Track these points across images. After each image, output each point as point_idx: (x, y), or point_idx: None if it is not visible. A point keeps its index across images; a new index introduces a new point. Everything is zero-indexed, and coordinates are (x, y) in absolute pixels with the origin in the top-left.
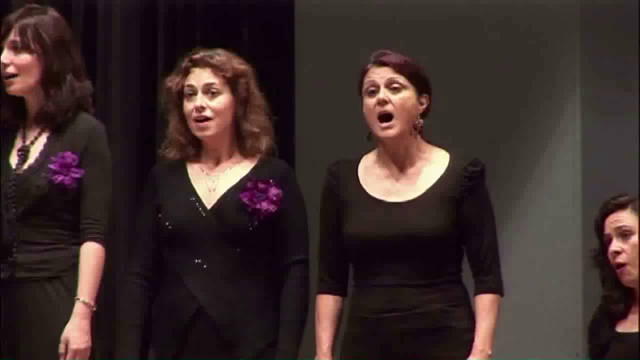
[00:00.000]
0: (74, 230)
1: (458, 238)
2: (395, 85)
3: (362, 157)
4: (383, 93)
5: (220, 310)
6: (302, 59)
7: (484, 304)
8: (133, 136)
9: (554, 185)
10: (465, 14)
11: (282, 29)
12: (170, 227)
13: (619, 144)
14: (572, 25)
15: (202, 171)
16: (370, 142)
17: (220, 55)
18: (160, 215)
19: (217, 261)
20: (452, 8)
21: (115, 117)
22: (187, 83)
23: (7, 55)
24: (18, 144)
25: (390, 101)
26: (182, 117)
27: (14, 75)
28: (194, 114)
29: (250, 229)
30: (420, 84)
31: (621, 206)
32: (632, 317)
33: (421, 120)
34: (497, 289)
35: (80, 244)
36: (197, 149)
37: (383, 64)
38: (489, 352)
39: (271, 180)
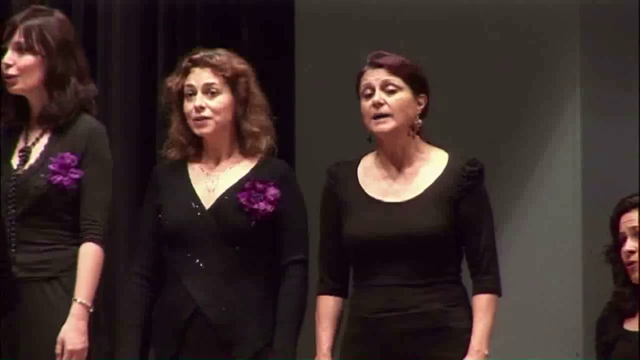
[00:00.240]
0: (74, 230)
1: (457, 238)
2: (391, 87)
3: (362, 158)
4: (378, 95)
5: (218, 311)
6: (302, 59)
7: (481, 304)
8: (133, 136)
9: (554, 185)
10: (466, 14)
11: (282, 29)
12: (169, 227)
13: (619, 144)
14: (572, 25)
15: (203, 171)
16: (372, 142)
17: (220, 55)
18: (160, 216)
19: (216, 261)
20: (452, 8)
21: (115, 117)
22: (187, 83)
23: (10, 56)
24: (20, 145)
25: (385, 103)
26: (183, 117)
27: (15, 76)
28: (194, 114)
29: (248, 229)
30: (418, 85)
31: (636, 205)
32: None
33: (420, 121)
34: (494, 289)
35: (79, 244)
36: (197, 149)
37: (378, 65)
38: (486, 352)
39: (270, 181)
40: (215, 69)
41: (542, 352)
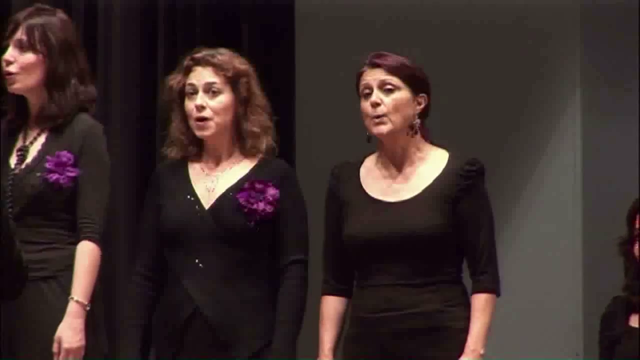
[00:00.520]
0: (71, 230)
1: (456, 238)
2: (388, 86)
3: (365, 158)
4: (375, 95)
5: (216, 311)
6: (302, 59)
7: (479, 304)
8: (133, 136)
9: (554, 185)
10: (466, 14)
11: (282, 29)
12: (169, 227)
13: (619, 144)
14: (573, 26)
15: (203, 171)
16: (372, 142)
17: (222, 55)
18: (161, 216)
19: (215, 261)
20: (452, 8)
21: (115, 117)
22: (188, 82)
23: (11, 53)
24: (19, 143)
25: (382, 103)
26: (184, 116)
27: (15, 74)
28: (195, 113)
29: (248, 229)
30: (417, 85)
31: None
32: None
33: (418, 120)
34: (492, 288)
35: (77, 243)
36: (198, 148)
37: (377, 65)
38: (482, 352)
39: (270, 181)
40: (217, 68)
41: (542, 352)
